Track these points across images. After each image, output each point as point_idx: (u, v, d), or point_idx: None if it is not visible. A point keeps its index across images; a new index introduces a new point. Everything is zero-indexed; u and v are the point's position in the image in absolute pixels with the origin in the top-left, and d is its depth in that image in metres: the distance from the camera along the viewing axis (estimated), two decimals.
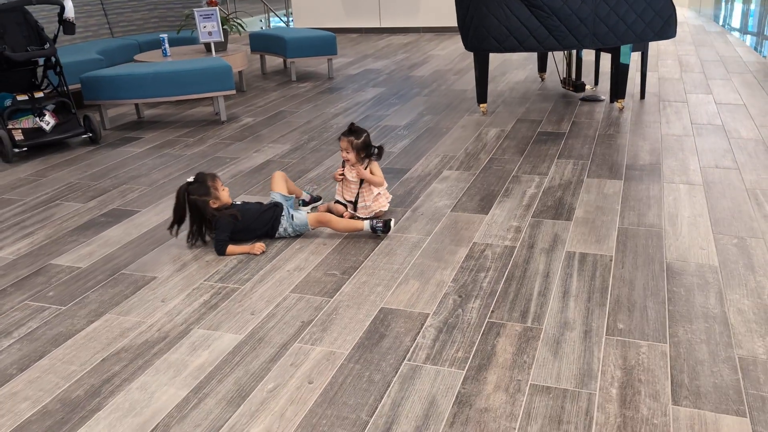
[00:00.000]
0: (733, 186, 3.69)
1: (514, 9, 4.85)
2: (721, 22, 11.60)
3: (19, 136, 4.96)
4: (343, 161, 3.47)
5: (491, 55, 7.78)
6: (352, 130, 3.38)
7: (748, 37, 9.85)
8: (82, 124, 5.22)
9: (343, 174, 3.48)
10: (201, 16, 6.52)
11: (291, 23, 12.54)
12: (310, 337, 2.48)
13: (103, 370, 2.37)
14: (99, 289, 2.94)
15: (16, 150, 4.90)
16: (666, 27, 5.10)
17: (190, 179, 3.26)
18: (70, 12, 4.98)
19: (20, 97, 5.04)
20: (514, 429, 1.96)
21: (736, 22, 12.15)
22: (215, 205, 3.22)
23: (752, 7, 12.68)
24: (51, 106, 5.18)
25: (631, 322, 2.47)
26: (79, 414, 2.14)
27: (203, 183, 3.24)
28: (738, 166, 3.99)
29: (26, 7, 4.96)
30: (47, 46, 5.05)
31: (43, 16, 6.51)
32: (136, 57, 6.77)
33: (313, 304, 2.71)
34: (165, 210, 3.80)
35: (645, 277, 2.78)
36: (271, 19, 13.01)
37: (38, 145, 5.03)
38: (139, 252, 3.30)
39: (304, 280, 2.90)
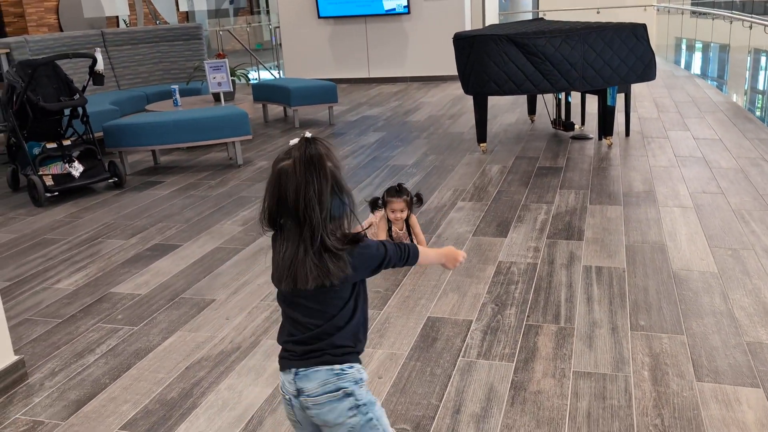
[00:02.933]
0: (721, 208, 4.13)
1: (511, 56, 5.33)
2: (682, 67, 12.38)
3: (49, 181, 5.24)
4: (390, 224, 3.58)
5: None
6: (402, 189, 3.49)
7: (708, 80, 10.55)
8: (107, 169, 5.52)
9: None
10: (211, 67, 6.92)
11: (279, 75, 13.03)
12: (369, 342, 2.79)
13: (190, 375, 2.65)
14: (164, 312, 3.23)
15: (48, 194, 5.17)
16: (647, 70, 5.62)
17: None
18: (100, 64, 5.34)
19: (50, 145, 5.34)
20: (566, 405, 2.29)
21: (696, 67, 12.99)
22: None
23: (710, 54, 13.54)
24: (77, 153, 5.49)
25: (650, 319, 2.83)
26: (178, 411, 2.42)
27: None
28: (722, 191, 4.43)
29: (57, 61, 5.31)
30: (77, 96, 5.39)
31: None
32: (147, 107, 7.12)
33: None
34: (206, 243, 4.10)
35: (656, 283, 3.15)
36: (259, 71, 13.49)
37: (67, 190, 5.31)
38: (192, 279, 3.59)
39: None
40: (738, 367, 2.45)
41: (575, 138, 6.23)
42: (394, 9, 10.34)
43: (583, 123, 6.62)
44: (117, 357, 2.83)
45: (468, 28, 10.36)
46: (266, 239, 4.03)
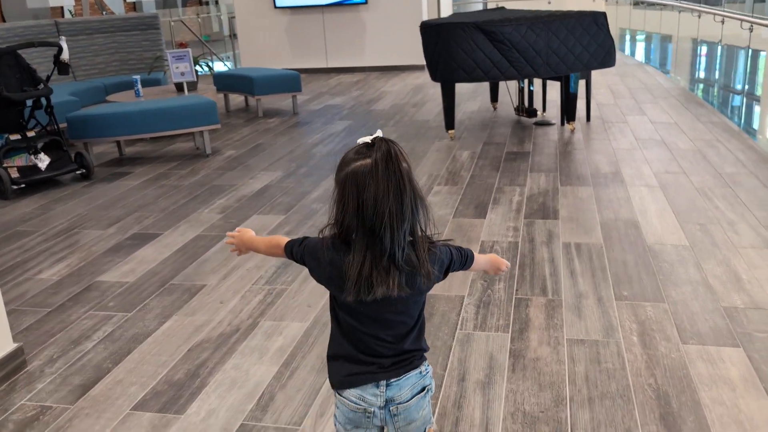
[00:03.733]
0: (684, 186, 4.35)
1: (479, 43, 5.46)
2: (629, 55, 12.78)
3: (14, 173, 5.12)
4: None
5: None
6: None
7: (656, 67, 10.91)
8: (74, 160, 5.42)
9: None
10: (174, 57, 6.85)
11: (234, 65, 12.90)
12: None
13: (193, 357, 2.68)
14: (156, 298, 3.23)
15: (14, 187, 5.06)
16: (607, 57, 5.83)
17: None
18: (66, 53, 5.23)
19: (13, 137, 5.22)
20: (565, 370, 2.42)
21: (642, 56, 13.42)
22: None
23: (652, 45, 14.02)
24: (42, 145, 5.37)
25: (632, 289, 2.99)
26: (188, 391, 2.45)
27: None
28: (684, 171, 4.66)
29: (20, 50, 5.18)
30: (41, 86, 5.27)
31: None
32: (108, 98, 6.99)
33: None
34: (186, 231, 4.10)
35: (634, 257, 3.32)
36: (212, 62, 13.33)
37: (34, 182, 5.20)
38: (179, 266, 3.59)
39: None
40: (718, 330, 2.62)
41: (538, 124, 6.41)
42: None
43: (544, 109, 6.81)
44: (115, 342, 2.83)
45: (425, 17, 10.47)
46: (247, 226, 4.07)
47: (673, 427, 2.09)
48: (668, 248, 3.41)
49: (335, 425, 1.55)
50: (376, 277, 1.35)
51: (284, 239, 1.58)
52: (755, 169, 4.63)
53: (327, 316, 2.90)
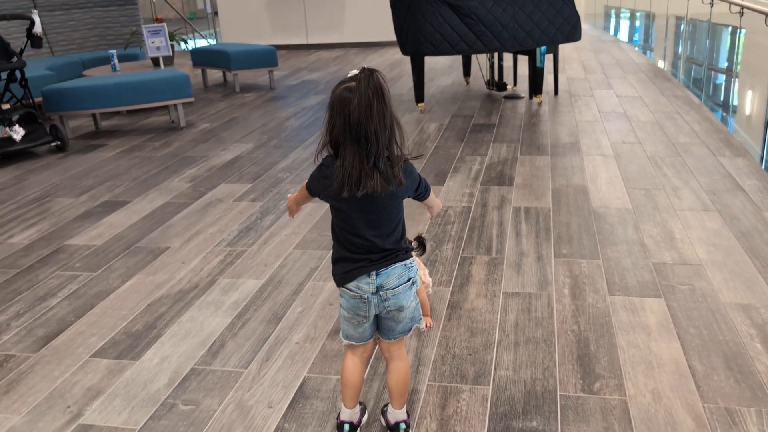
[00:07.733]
0: (638, 155, 4.51)
1: (446, 17, 5.58)
2: (611, 33, 12.90)
3: None
4: None
5: None
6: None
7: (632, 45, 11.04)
8: (49, 132, 5.52)
9: None
10: (149, 32, 6.92)
11: (213, 41, 12.92)
12: (320, 276, 3.03)
13: (152, 311, 2.83)
14: (121, 259, 3.38)
15: None
16: (573, 31, 5.96)
17: None
18: (38, 26, 5.31)
19: None
20: (497, 319, 2.59)
21: (623, 35, 13.54)
22: None
23: (636, 23, 14.13)
24: (17, 117, 5.47)
25: (571, 248, 3.16)
26: (144, 340, 2.61)
27: None
28: (639, 141, 4.83)
29: None
30: (14, 59, 5.35)
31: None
32: (85, 72, 7.07)
33: (316, 255, 3.26)
34: (155, 199, 4.23)
35: (578, 219, 3.49)
36: (195, 38, 13.34)
37: (9, 154, 5.30)
38: (145, 231, 3.73)
39: (302, 240, 3.44)
40: (644, 283, 2.80)
41: (508, 97, 6.55)
42: None
43: (515, 83, 6.94)
44: (79, 299, 2.98)
45: None
46: (214, 194, 4.21)
47: (587, 366, 2.27)
48: (612, 211, 3.58)
49: (340, 311, 1.87)
50: (364, 176, 1.65)
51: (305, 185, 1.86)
52: (707, 138, 4.80)
53: (281, 274, 3.07)
